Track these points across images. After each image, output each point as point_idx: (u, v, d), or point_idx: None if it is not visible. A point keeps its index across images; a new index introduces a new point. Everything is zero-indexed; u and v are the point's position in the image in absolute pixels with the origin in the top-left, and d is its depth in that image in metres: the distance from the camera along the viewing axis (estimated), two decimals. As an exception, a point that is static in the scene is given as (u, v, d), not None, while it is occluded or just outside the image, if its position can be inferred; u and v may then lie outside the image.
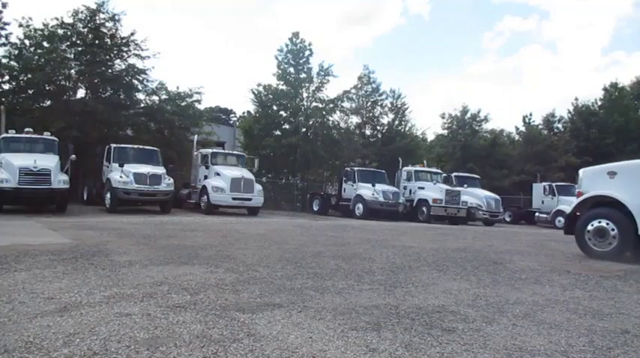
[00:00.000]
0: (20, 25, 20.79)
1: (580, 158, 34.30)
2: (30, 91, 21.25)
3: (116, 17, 22.11)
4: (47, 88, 21.30)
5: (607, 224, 8.40)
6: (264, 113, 28.95)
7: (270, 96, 28.77)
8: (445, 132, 40.41)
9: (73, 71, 21.85)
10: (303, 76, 28.80)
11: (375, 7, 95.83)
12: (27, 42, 21.08)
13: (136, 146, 18.27)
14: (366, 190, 21.15)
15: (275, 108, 29.19)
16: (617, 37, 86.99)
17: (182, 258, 6.71)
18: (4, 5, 20.45)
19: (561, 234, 10.25)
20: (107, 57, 22.05)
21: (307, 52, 28.94)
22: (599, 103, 38.83)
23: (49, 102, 21.79)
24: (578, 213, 9.18)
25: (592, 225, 8.60)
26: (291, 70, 28.92)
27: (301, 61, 28.86)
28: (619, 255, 8.27)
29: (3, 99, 20.02)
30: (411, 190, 22.62)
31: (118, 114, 21.41)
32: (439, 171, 24.40)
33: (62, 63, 20.95)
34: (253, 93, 28.71)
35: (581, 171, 9.76)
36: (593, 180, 9.21)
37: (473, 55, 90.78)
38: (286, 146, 27.04)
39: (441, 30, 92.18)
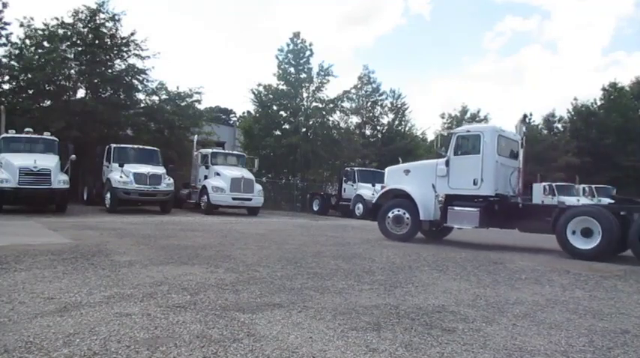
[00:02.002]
0: (21, 25, 20.79)
1: (580, 158, 34.31)
2: (30, 91, 21.23)
3: (116, 17, 22.09)
4: (47, 88, 21.27)
5: (403, 213, 10.29)
6: (264, 113, 28.93)
7: (271, 96, 28.75)
8: (445, 132, 40.42)
9: (73, 71, 21.83)
10: (303, 76, 28.78)
11: (376, 7, 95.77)
12: (27, 42, 21.06)
13: (136, 146, 18.25)
14: (366, 190, 21.12)
15: (275, 108, 29.18)
16: (617, 37, 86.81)
17: (182, 258, 6.72)
18: (5, 5, 20.45)
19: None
20: (107, 57, 22.02)
21: (308, 53, 28.93)
22: (599, 103, 38.82)
23: (49, 102, 21.76)
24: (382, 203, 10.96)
25: (392, 213, 10.41)
26: (292, 70, 28.90)
27: (302, 61, 28.84)
28: (411, 236, 10.27)
29: (3, 99, 20.01)
30: (411, 190, 22.59)
31: (118, 114, 21.39)
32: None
33: (62, 63, 20.92)
34: (253, 93, 28.71)
35: (386, 169, 11.64)
36: (394, 176, 11.10)
37: (473, 54, 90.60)
38: (286, 146, 27.02)
39: (441, 30, 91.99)
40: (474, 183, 9.65)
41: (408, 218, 10.21)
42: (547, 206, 10.23)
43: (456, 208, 9.80)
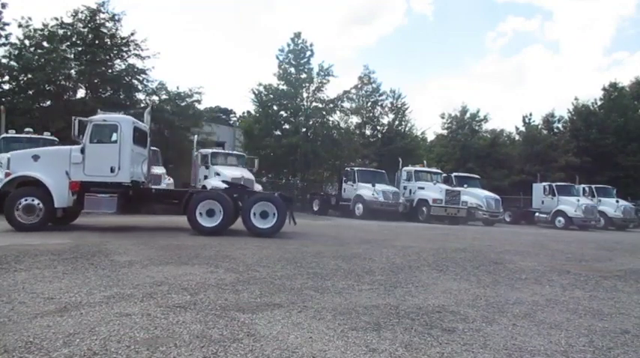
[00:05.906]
0: (20, 26, 20.81)
1: (580, 158, 34.34)
2: (30, 91, 21.23)
3: (116, 17, 22.15)
4: (47, 88, 21.28)
5: (34, 201, 9.71)
6: (264, 113, 28.94)
7: (271, 96, 28.76)
8: (445, 132, 40.44)
9: (73, 71, 21.84)
10: (303, 76, 28.78)
11: (378, 7, 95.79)
12: (27, 42, 21.08)
13: (135, 146, 18.22)
14: (366, 190, 21.14)
15: (275, 108, 29.19)
16: (619, 38, 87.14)
17: (182, 258, 6.71)
18: (4, 5, 20.51)
19: (561, 234, 10.26)
20: (107, 57, 22.04)
21: (308, 53, 28.94)
22: (599, 103, 38.83)
23: (49, 102, 21.77)
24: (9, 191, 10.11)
25: (22, 202, 9.67)
26: (292, 70, 28.90)
27: (302, 62, 28.85)
28: (44, 225, 9.77)
29: (3, 99, 20.01)
30: (411, 190, 22.60)
31: (118, 115, 21.39)
32: (439, 171, 24.38)
33: (62, 63, 20.93)
34: (254, 93, 28.72)
35: (10, 154, 11.01)
36: (21, 163, 10.32)
37: (475, 55, 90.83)
38: (286, 146, 27.03)
39: (443, 30, 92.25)
40: (112, 171, 10.05)
41: (40, 206, 9.75)
42: (177, 191, 11.22)
43: (94, 195, 9.98)
